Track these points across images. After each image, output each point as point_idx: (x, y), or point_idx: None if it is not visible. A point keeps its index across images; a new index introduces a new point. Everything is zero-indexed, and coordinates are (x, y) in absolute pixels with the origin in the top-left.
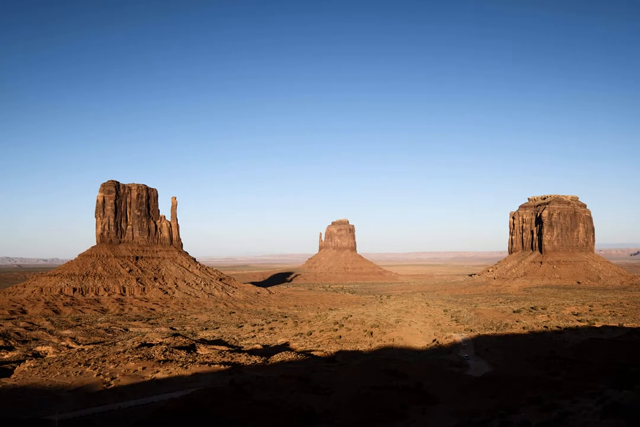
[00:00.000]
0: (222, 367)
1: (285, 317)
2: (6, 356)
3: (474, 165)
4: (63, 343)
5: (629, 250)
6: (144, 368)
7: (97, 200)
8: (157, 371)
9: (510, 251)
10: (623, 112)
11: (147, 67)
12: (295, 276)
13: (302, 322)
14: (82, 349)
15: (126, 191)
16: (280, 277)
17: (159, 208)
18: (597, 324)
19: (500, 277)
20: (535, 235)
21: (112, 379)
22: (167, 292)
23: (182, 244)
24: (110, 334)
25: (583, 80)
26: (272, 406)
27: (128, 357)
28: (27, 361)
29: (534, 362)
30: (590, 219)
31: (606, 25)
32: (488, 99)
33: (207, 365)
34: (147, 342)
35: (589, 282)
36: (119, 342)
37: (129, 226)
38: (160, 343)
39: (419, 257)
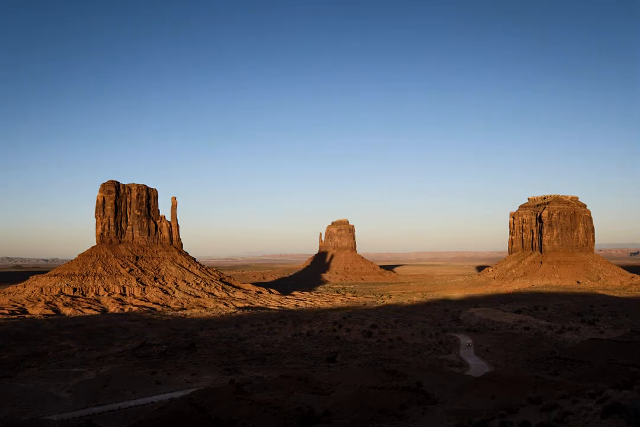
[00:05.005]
0: (222, 366)
1: (285, 317)
2: (6, 356)
3: (474, 165)
4: (63, 343)
5: (629, 250)
6: (143, 368)
7: (97, 200)
8: (157, 371)
9: (510, 251)
10: (623, 111)
11: (148, 66)
12: (296, 276)
13: (301, 322)
14: (82, 349)
15: (126, 191)
16: (281, 278)
17: (159, 208)
18: (597, 324)
19: (500, 277)
20: (535, 235)
21: (111, 379)
22: (167, 292)
23: (182, 244)
24: (110, 334)
25: (583, 80)
26: (272, 406)
27: (128, 357)
28: (27, 361)
29: (534, 362)
30: (590, 219)
31: (607, 24)
32: (488, 98)
33: (206, 365)
34: (147, 342)
35: (589, 282)
36: (118, 343)
37: (129, 226)
38: (160, 343)
39: (419, 257)
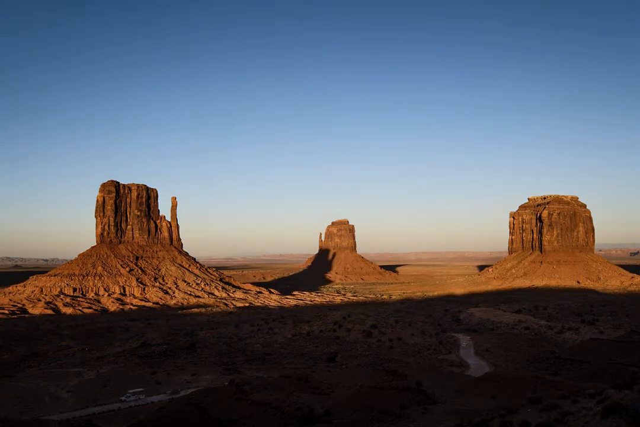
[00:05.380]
0: (222, 366)
1: (285, 317)
2: (6, 356)
3: (474, 166)
4: (63, 343)
5: (629, 250)
6: (143, 368)
7: (97, 201)
8: (157, 371)
9: (510, 251)
10: (623, 111)
11: (149, 67)
12: (296, 276)
13: (301, 322)
14: (82, 349)
15: (126, 191)
16: (281, 278)
17: (159, 208)
18: (597, 324)
19: (500, 277)
20: (535, 235)
21: (111, 379)
22: (167, 292)
23: (182, 244)
24: (110, 334)
25: (583, 80)
26: (272, 406)
27: (128, 357)
28: (27, 361)
29: (534, 362)
30: (590, 219)
31: (607, 24)
32: (488, 98)
33: (206, 365)
34: (147, 342)
35: (589, 282)
36: (118, 343)
37: (129, 226)
38: (160, 343)
39: (419, 257)
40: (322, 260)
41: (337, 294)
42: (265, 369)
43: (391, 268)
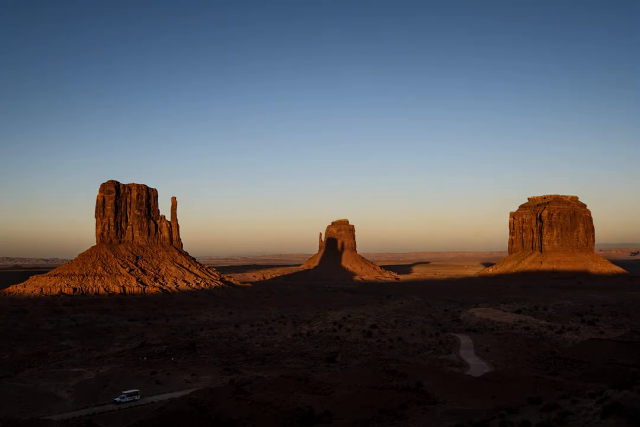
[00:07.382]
0: (222, 366)
1: (285, 317)
2: (6, 356)
3: (474, 165)
4: (63, 343)
5: (629, 250)
6: (143, 368)
7: (97, 200)
8: (157, 371)
9: (510, 251)
10: (624, 111)
11: (147, 66)
12: (296, 276)
13: (301, 322)
14: (82, 349)
15: (126, 191)
16: (281, 277)
17: (159, 208)
18: (597, 324)
19: (501, 277)
20: (535, 235)
21: (111, 379)
22: (167, 292)
23: (182, 244)
24: (110, 334)
25: (583, 80)
26: (272, 406)
27: (128, 357)
28: (27, 361)
29: (534, 362)
30: (590, 219)
31: (606, 24)
32: (488, 98)
33: (206, 365)
34: (147, 342)
35: (589, 282)
36: (118, 343)
37: (128, 226)
38: (160, 343)
39: (419, 257)
40: (323, 260)
41: (337, 294)
42: (265, 369)
43: (391, 268)
